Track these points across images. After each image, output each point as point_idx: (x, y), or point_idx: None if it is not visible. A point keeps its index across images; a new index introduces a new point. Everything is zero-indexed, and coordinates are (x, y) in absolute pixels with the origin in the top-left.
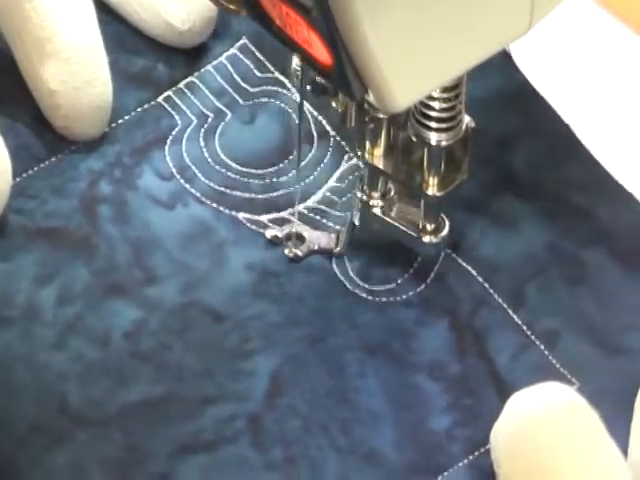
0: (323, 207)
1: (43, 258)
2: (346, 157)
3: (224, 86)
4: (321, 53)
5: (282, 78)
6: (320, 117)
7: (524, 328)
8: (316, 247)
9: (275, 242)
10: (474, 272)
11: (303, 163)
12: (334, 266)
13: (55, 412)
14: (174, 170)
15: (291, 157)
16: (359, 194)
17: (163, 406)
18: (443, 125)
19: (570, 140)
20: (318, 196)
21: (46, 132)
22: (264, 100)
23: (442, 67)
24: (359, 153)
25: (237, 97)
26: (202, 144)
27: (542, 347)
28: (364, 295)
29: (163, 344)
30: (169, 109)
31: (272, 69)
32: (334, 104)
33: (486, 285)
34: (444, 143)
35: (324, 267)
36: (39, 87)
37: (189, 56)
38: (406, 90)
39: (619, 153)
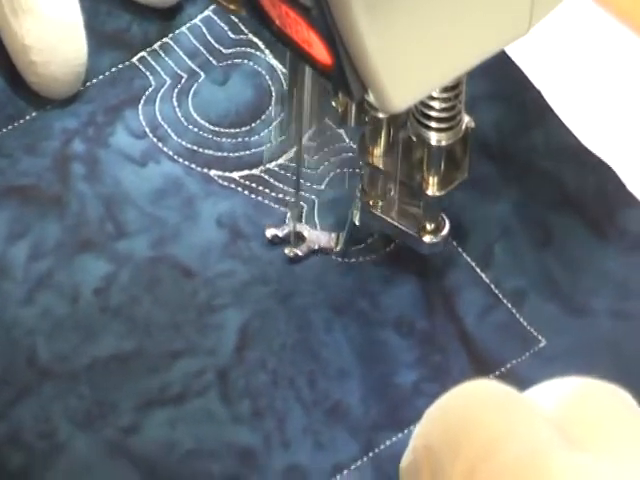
0: (294, 165)
1: (15, 216)
2: None
3: (198, 47)
4: (321, 53)
5: (255, 40)
6: None
7: (492, 287)
8: (316, 246)
9: (275, 241)
10: (300, 253)
11: (275, 122)
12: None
13: (23, 366)
14: (147, 129)
15: (263, 117)
16: (359, 194)
17: (131, 360)
18: (443, 125)
19: (540, 106)
20: (290, 154)
21: (20, 91)
22: (237, 61)
23: (442, 67)
24: (359, 153)
25: (211, 58)
26: (175, 104)
27: (509, 306)
28: (333, 255)
29: (133, 299)
30: (143, 69)
31: (246, 31)
32: (334, 104)
33: (454, 244)
34: (444, 143)
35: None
36: (14, 43)
37: (164, 17)
38: (406, 90)
39: (614, 146)
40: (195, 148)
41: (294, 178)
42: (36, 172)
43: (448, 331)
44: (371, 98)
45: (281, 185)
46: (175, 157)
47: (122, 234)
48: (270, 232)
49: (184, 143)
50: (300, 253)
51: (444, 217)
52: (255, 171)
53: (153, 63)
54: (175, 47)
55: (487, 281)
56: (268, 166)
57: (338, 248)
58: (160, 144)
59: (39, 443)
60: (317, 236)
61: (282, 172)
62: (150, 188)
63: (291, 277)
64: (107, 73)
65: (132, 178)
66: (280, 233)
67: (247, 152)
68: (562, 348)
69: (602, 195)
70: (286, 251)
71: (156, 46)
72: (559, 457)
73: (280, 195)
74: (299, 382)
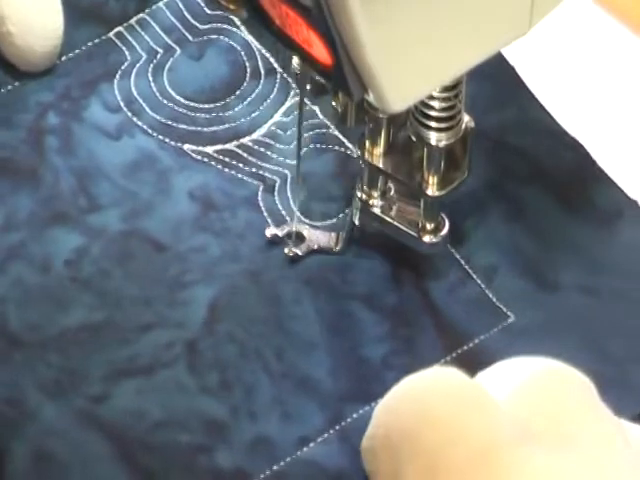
0: (268, 140)
1: None
2: (292, 93)
3: (174, 23)
4: (321, 53)
5: (232, 16)
6: (268, 55)
7: (462, 262)
8: (316, 246)
9: (275, 241)
10: (300, 252)
11: (250, 98)
12: (276, 200)
13: None
14: (122, 103)
15: (238, 92)
16: (359, 193)
17: (101, 331)
18: (443, 125)
19: (513, 82)
20: (264, 129)
21: None
22: (213, 37)
23: (442, 67)
24: (359, 152)
25: (187, 34)
26: (150, 79)
27: (479, 281)
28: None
29: (104, 271)
30: (119, 44)
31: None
32: (334, 104)
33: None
34: (444, 143)
35: (266, 201)
36: None
37: None
38: (405, 90)
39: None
40: (169, 122)
41: (268, 153)
42: (10, 145)
43: (417, 305)
44: (371, 98)
45: (255, 159)
46: (149, 131)
47: (95, 207)
48: (270, 232)
49: (159, 117)
50: (300, 253)
51: (444, 217)
52: (229, 145)
53: (129, 38)
54: (152, 22)
55: (458, 257)
56: (242, 141)
57: (338, 248)
58: (135, 118)
59: (8, 411)
60: (317, 236)
61: (256, 147)
62: (123, 161)
63: (262, 253)
64: (84, 47)
65: (106, 151)
66: (280, 233)
67: (221, 127)
68: (530, 323)
69: (573, 171)
70: (286, 251)
71: (133, 21)
72: (515, 451)
73: (254, 169)
74: (267, 354)
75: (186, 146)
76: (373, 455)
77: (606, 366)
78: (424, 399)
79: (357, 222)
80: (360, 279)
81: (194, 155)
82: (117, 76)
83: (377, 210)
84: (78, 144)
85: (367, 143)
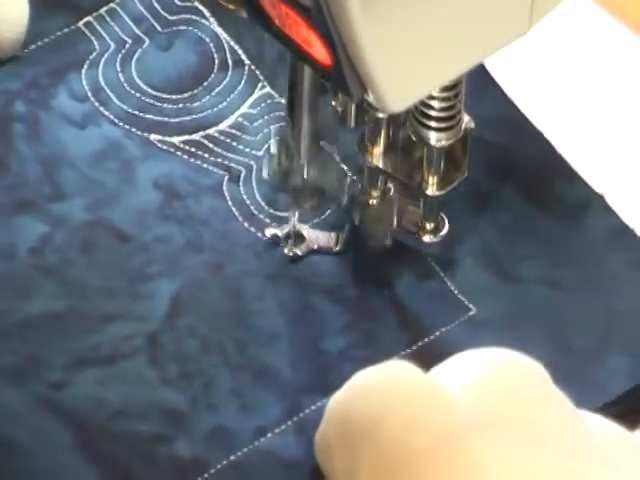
0: (235, 131)
1: None
2: (259, 85)
3: (144, 13)
4: (320, 53)
5: (201, 7)
6: (236, 46)
7: (426, 255)
8: (315, 246)
9: (275, 241)
10: (300, 252)
11: (217, 90)
12: (241, 190)
13: None
14: (89, 93)
15: (205, 83)
16: (359, 193)
17: (64, 320)
18: (443, 124)
19: (484, 79)
20: (230, 121)
21: None
22: (182, 28)
23: (441, 68)
24: (359, 152)
25: (156, 24)
26: (119, 69)
27: (442, 274)
28: (269, 220)
29: (67, 260)
30: (88, 34)
31: None
32: (334, 104)
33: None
34: (444, 142)
35: (231, 190)
36: None
37: None
38: (405, 91)
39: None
40: (136, 112)
41: (234, 144)
42: None
43: (379, 298)
44: (370, 98)
45: (220, 150)
46: (116, 121)
47: (60, 196)
48: (270, 232)
49: (125, 107)
50: (300, 253)
51: (443, 217)
52: (195, 136)
53: (99, 28)
54: (121, 12)
55: (421, 249)
56: (208, 131)
57: (338, 248)
58: (101, 108)
59: None
60: (316, 236)
61: (222, 138)
62: (89, 150)
63: (225, 242)
64: (52, 36)
65: (72, 140)
66: (280, 232)
67: (188, 117)
68: (492, 316)
69: (539, 164)
70: (285, 251)
71: (102, 11)
72: (474, 438)
73: (219, 159)
74: (228, 347)
75: (152, 136)
76: (327, 451)
77: (568, 358)
78: (379, 392)
79: (357, 222)
80: (324, 271)
81: (160, 145)
82: (85, 66)
83: (377, 210)
84: (45, 132)
85: (367, 143)
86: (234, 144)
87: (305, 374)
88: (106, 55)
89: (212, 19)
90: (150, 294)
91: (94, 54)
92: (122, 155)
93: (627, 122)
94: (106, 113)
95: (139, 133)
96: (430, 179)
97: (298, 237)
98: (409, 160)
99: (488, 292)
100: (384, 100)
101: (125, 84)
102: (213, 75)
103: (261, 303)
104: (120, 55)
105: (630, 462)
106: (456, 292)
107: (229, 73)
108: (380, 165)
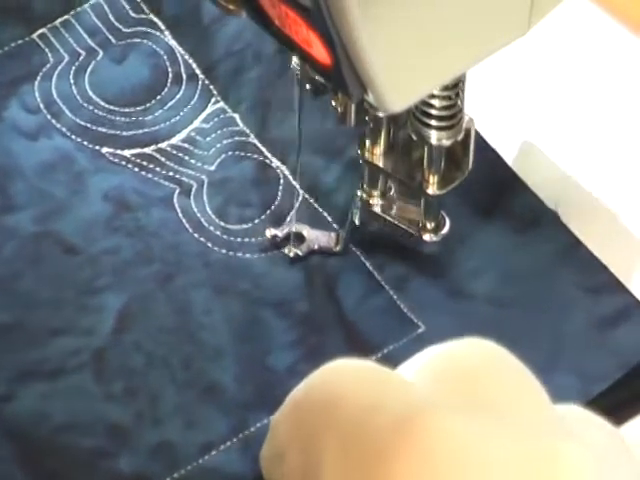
0: (187, 145)
1: None
2: (213, 99)
3: (99, 25)
4: (320, 53)
5: (156, 20)
6: (190, 60)
7: (374, 272)
8: (316, 246)
9: (275, 241)
10: (329, 218)
11: (170, 103)
12: (192, 202)
13: None
14: (41, 105)
15: (158, 97)
16: (359, 192)
17: (9, 333)
18: (443, 123)
19: None
20: (183, 135)
21: None
22: (137, 41)
23: (441, 68)
24: (359, 152)
25: (110, 37)
26: (72, 81)
27: (391, 291)
28: (219, 233)
29: (15, 272)
30: (42, 46)
31: (147, 11)
32: (334, 103)
33: (336, 227)
34: (444, 142)
35: (182, 203)
36: None
37: None
38: (405, 90)
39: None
40: (88, 125)
41: (186, 158)
42: None
43: (327, 314)
44: (370, 98)
45: (172, 164)
46: (67, 133)
47: (9, 207)
48: (270, 232)
49: (78, 120)
50: (300, 253)
51: (444, 216)
52: (147, 150)
53: (53, 40)
54: (76, 24)
55: (370, 266)
56: (160, 145)
57: (338, 248)
58: (54, 120)
59: None
60: (316, 236)
61: (174, 152)
62: (40, 162)
63: (175, 253)
64: (6, 48)
65: (23, 152)
66: (280, 233)
67: (140, 131)
68: (441, 333)
69: (489, 178)
70: (285, 251)
71: (57, 23)
72: (433, 419)
73: (171, 173)
74: (174, 363)
75: (104, 149)
76: (276, 457)
77: None
78: (332, 382)
79: (357, 221)
80: (272, 285)
81: (111, 158)
82: (38, 78)
83: (377, 209)
84: None
85: (367, 142)
86: (186, 158)
87: (251, 390)
88: (59, 67)
89: (167, 32)
90: (98, 307)
91: (47, 66)
92: (73, 167)
93: (626, 124)
94: (58, 125)
95: (90, 146)
96: (431, 178)
97: (298, 237)
98: (410, 159)
99: (437, 309)
100: (384, 100)
101: (78, 96)
102: (166, 89)
103: (209, 317)
104: (74, 67)
105: (594, 433)
106: (405, 309)
107: (183, 87)
108: (380, 164)
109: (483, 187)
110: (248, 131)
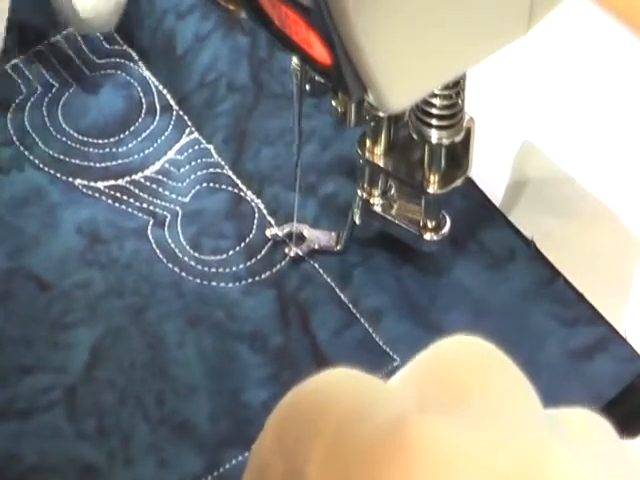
0: (161, 177)
1: None
2: (187, 131)
3: (72, 57)
4: (320, 53)
5: (130, 51)
6: (164, 91)
7: (349, 306)
8: (316, 246)
9: (275, 241)
10: (301, 252)
11: (144, 135)
12: (166, 233)
13: None
14: (14, 137)
15: (132, 128)
16: (359, 192)
17: None
18: (444, 122)
19: None
20: (157, 166)
21: None
22: (110, 72)
23: (441, 68)
24: (359, 151)
25: (84, 68)
26: (45, 112)
27: (366, 325)
28: (193, 263)
29: None
30: (15, 77)
31: (121, 42)
32: (334, 103)
33: (315, 265)
34: (445, 141)
35: (156, 234)
36: None
37: (40, 26)
38: (404, 91)
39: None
40: (61, 157)
41: (160, 189)
42: None
43: (302, 347)
44: (370, 98)
45: (146, 195)
46: (40, 165)
47: None
48: (271, 231)
49: (51, 152)
50: (300, 253)
51: (445, 215)
52: (120, 181)
53: (26, 71)
54: (50, 55)
55: (345, 300)
56: (134, 177)
57: (339, 247)
58: (26, 152)
59: None
60: (317, 236)
61: (147, 183)
62: (11, 196)
63: (148, 284)
64: None
65: None
66: (280, 233)
67: (114, 162)
68: None
69: (466, 212)
70: (286, 250)
71: (31, 53)
72: (418, 428)
73: (144, 205)
74: (147, 401)
75: (77, 181)
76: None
77: None
78: (316, 393)
79: (357, 221)
80: (246, 317)
81: (84, 190)
82: (11, 109)
83: (378, 209)
84: None
85: (368, 142)
86: (160, 190)
87: (225, 428)
88: (33, 98)
89: (140, 63)
90: (69, 344)
91: (21, 97)
92: (45, 201)
93: (626, 126)
94: (31, 157)
95: (64, 178)
96: (431, 177)
97: (299, 237)
98: (410, 158)
99: (411, 342)
100: (383, 100)
101: (51, 128)
102: (140, 120)
103: (182, 351)
104: (47, 99)
105: (594, 438)
106: (380, 342)
107: (157, 118)
108: (381, 164)
109: (458, 220)
110: (223, 163)
